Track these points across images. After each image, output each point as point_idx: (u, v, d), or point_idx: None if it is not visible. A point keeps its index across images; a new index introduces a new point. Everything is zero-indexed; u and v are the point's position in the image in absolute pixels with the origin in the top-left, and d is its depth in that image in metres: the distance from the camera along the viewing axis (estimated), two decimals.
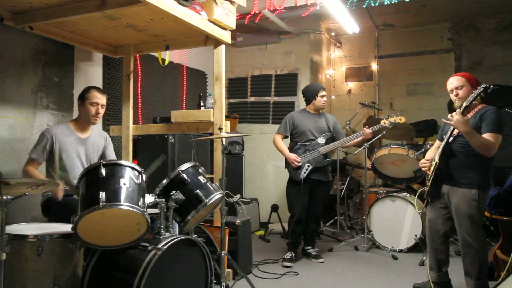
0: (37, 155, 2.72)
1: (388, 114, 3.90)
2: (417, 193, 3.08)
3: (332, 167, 5.31)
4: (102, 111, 2.90)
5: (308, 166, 3.72)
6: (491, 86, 2.49)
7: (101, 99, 2.88)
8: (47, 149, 2.74)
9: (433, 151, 2.95)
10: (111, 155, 3.09)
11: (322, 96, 3.85)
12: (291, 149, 3.83)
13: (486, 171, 2.69)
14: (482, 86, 2.49)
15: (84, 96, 2.85)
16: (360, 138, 3.79)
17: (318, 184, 3.80)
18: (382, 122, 3.79)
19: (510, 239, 3.02)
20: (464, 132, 2.58)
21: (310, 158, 3.73)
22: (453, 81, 2.78)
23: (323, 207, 3.96)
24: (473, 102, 2.57)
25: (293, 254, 3.78)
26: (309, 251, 3.90)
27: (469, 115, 2.70)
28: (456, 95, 2.74)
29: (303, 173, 3.71)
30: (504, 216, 3.00)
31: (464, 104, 2.55)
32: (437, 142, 2.97)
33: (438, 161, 2.71)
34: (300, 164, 3.70)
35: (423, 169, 2.94)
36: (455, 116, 2.54)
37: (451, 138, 2.70)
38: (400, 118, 3.74)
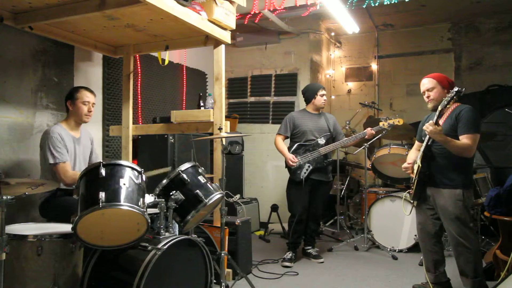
0: (66, 156, 2.69)
1: (387, 115, 3.93)
2: (403, 195, 3.09)
3: (332, 167, 5.30)
4: (93, 109, 2.94)
5: (309, 167, 3.72)
6: (463, 89, 2.49)
7: (92, 98, 2.92)
8: (65, 148, 2.73)
9: (414, 153, 2.97)
10: (94, 159, 3.07)
11: (322, 96, 3.85)
12: (290, 149, 3.82)
13: (468, 170, 2.72)
14: (454, 89, 2.49)
15: (74, 96, 2.86)
16: (361, 138, 3.83)
17: (318, 184, 3.80)
18: (381, 124, 3.82)
19: (510, 239, 3.02)
20: (439, 141, 2.62)
21: (310, 158, 3.73)
22: (425, 83, 2.80)
23: (323, 207, 3.96)
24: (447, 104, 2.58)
25: (293, 254, 3.77)
26: (309, 251, 3.90)
27: (445, 116, 2.72)
28: (428, 97, 2.76)
29: (304, 173, 3.71)
30: (504, 216, 3.00)
31: (439, 109, 2.56)
32: (417, 143, 3.00)
33: (420, 165, 2.73)
34: (295, 164, 3.70)
35: (406, 172, 2.95)
36: (429, 127, 2.57)
37: (430, 141, 2.71)
38: (399, 120, 3.78)
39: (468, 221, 2.65)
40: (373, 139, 4.15)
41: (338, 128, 3.96)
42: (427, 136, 2.69)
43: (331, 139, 3.86)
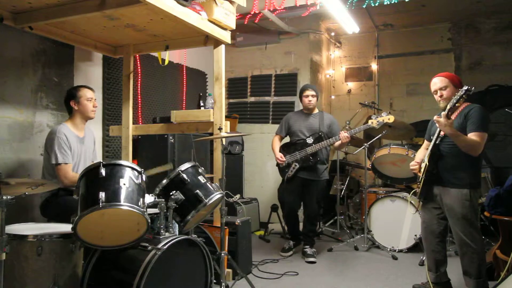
0: (69, 158, 2.71)
1: (376, 113, 3.86)
2: (411, 193, 3.08)
3: (332, 167, 5.32)
4: (96, 104, 2.99)
5: (295, 165, 3.82)
6: (472, 88, 2.48)
7: (93, 94, 2.97)
8: (70, 149, 2.74)
9: (422, 152, 2.97)
10: (94, 159, 3.08)
11: (306, 96, 3.92)
12: (283, 147, 3.96)
13: (476, 170, 2.70)
14: (464, 88, 2.49)
15: (76, 95, 2.89)
16: (338, 143, 3.70)
17: (308, 183, 3.85)
18: (370, 122, 3.70)
19: (509, 239, 3.02)
20: (449, 134, 2.60)
21: (298, 157, 3.82)
22: (437, 82, 2.77)
23: (319, 206, 4.02)
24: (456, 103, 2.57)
25: (291, 244, 4.01)
26: (305, 249, 3.93)
27: (454, 115, 2.70)
28: (441, 96, 2.74)
29: (290, 172, 3.84)
30: (504, 216, 3.00)
31: (448, 107, 2.55)
32: (425, 142, 2.99)
33: (427, 163, 2.72)
34: (284, 162, 3.83)
35: (413, 171, 2.93)
36: (440, 119, 2.55)
37: (439, 139, 2.71)
38: (389, 118, 3.62)
39: (474, 221, 2.63)
40: (374, 139, 4.16)
41: (335, 129, 3.90)
42: (435, 135, 2.68)
43: (321, 139, 3.81)
